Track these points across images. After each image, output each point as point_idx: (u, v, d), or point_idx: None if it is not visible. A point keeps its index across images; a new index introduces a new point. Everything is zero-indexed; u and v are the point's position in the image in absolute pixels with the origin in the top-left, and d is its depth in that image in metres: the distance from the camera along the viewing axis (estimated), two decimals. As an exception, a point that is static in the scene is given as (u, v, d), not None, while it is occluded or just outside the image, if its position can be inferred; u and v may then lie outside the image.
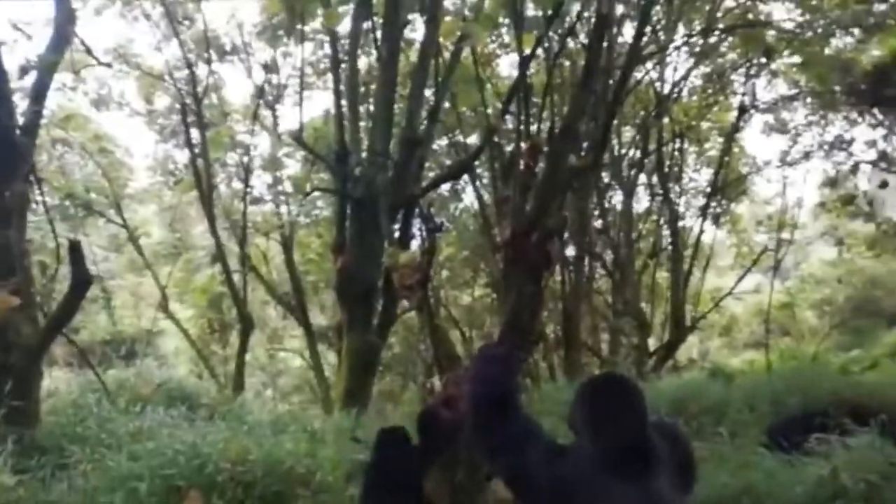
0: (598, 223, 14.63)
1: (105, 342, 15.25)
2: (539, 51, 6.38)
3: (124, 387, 6.42)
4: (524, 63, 4.06)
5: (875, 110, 10.92)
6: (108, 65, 6.90)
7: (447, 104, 10.60)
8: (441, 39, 4.80)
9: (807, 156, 13.70)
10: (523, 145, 4.05)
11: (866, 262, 17.29)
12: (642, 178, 14.90)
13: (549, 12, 4.72)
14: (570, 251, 12.87)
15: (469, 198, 14.17)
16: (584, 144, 7.92)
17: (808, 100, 13.08)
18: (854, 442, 4.25)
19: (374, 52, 8.50)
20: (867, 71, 9.92)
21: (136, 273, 15.83)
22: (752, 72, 13.18)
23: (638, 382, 3.68)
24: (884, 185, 11.35)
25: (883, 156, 11.27)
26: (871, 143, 12.31)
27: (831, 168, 13.11)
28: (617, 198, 14.88)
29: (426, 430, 4.36)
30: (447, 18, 3.28)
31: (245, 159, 12.53)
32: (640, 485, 2.79)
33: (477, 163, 11.31)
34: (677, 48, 12.50)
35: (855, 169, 12.20)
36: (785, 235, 15.51)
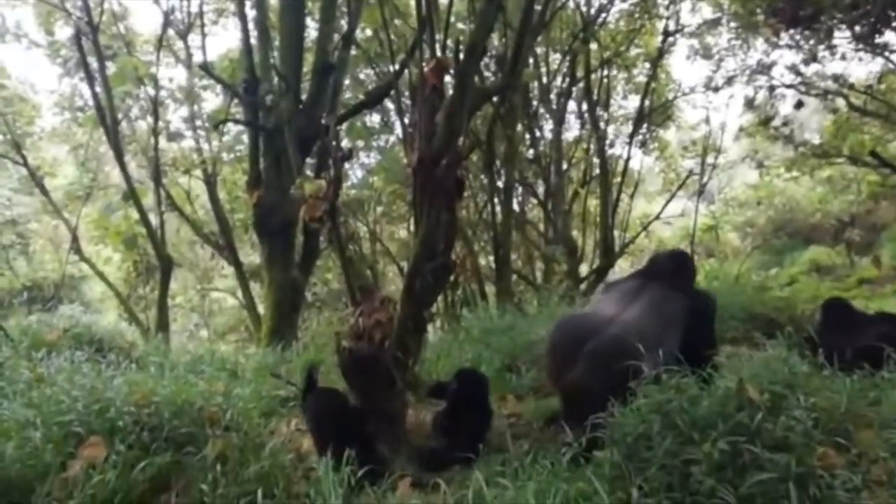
0: (529, 152, 14.57)
1: (26, 288, 14.64)
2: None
3: (27, 333, 6.10)
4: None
5: (793, 32, 10.98)
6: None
7: (368, 30, 10.20)
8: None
9: (729, 81, 13.82)
10: (425, 66, 3.82)
11: (785, 184, 17.89)
12: (572, 105, 14.84)
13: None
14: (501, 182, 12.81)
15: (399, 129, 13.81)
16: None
17: (731, 24, 13.09)
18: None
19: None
20: (785, -12, 9.94)
21: (53, 215, 15.05)
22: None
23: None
24: (799, 105, 11.57)
25: (798, 75, 11.40)
26: (792, 68, 12.43)
27: (752, 93, 13.23)
28: (547, 126, 14.77)
29: (347, 368, 4.30)
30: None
31: (153, 92, 11.76)
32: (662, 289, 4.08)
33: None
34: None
35: (772, 91, 12.36)
36: (709, 160, 15.89)
